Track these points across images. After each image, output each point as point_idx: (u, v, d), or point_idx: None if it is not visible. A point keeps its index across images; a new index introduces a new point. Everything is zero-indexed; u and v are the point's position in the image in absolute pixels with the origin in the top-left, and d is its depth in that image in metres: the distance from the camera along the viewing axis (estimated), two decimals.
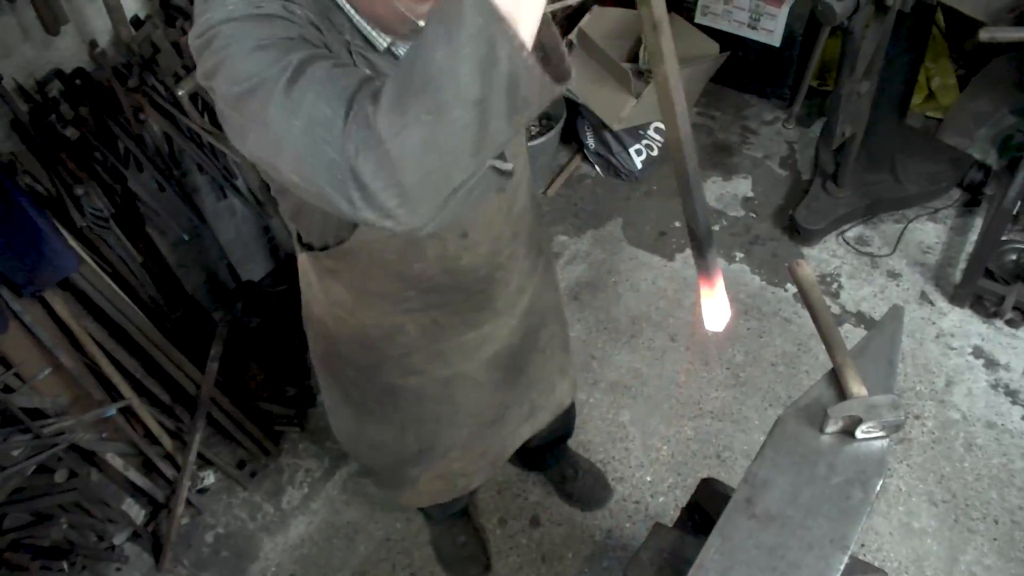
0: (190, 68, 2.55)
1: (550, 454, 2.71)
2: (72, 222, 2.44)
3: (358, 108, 0.94)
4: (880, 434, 1.61)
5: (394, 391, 1.81)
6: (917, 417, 2.96)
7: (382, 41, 1.28)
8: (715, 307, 1.35)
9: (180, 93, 2.46)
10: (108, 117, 2.54)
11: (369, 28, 1.26)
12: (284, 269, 3.23)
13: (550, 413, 2.17)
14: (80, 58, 2.54)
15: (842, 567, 1.45)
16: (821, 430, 1.62)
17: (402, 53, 1.30)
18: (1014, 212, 2.93)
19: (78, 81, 2.52)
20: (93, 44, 2.53)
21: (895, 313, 1.83)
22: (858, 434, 1.60)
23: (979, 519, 2.72)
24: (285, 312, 2.89)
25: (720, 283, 1.33)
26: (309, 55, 1.04)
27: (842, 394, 1.65)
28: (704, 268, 1.32)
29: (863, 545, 2.63)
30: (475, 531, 2.68)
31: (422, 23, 1.19)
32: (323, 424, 2.98)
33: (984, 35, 2.48)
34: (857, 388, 1.65)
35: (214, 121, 2.65)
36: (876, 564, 2.62)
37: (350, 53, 1.24)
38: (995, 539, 2.67)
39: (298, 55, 1.03)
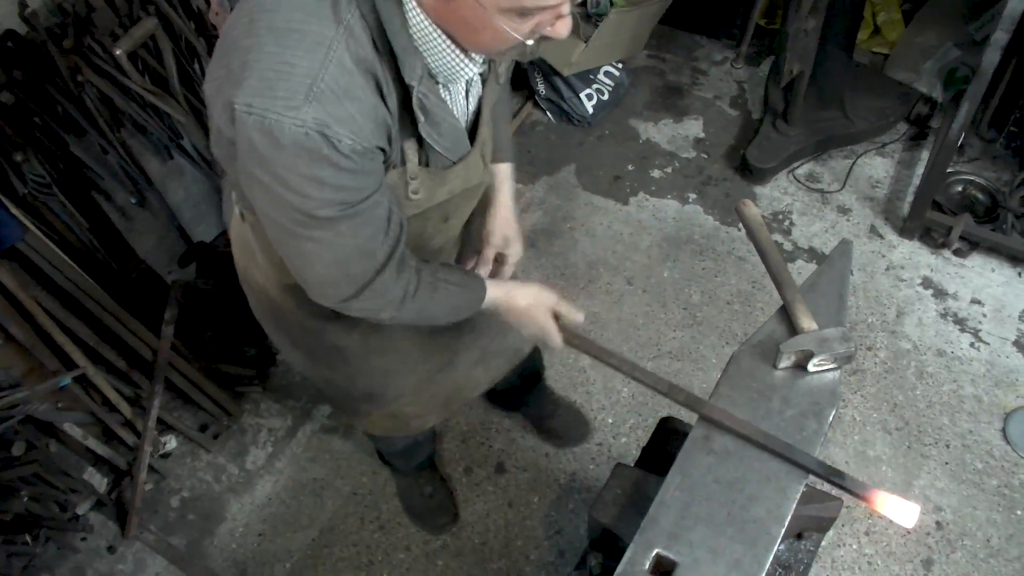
0: (128, 26, 2.49)
1: (526, 395, 2.74)
2: (14, 190, 2.39)
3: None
4: (832, 366, 1.64)
5: (340, 349, 1.84)
6: (869, 348, 3.02)
7: (468, 70, 1.41)
8: (899, 511, 1.48)
9: (118, 52, 2.40)
10: (44, 80, 2.48)
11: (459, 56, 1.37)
12: None
13: (506, 360, 2.18)
14: (11, 20, 2.46)
15: (798, 496, 1.49)
16: (774, 366, 1.65)
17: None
18: (959, 144, 2.96)
19: (10, 44, 2.45)
20: (23, 4, 2.46)
21: (844, 248, 1.86)
22: (810, 367, 1.63)
23: (931, 444, 2.79)
24: None
25: (882, 496, 1.50)
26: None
27: (793, 330, 1.68)
28: (859, 495, 1.51)
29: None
30: (441, 481, 2.71)
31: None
32: (285, 383, 2.98)
33: None
34: (808, 323, 1.67)
35: (156, 80, 2.59)
36: (833, 493, 2.68)
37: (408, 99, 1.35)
38: (947, 463, 2.75)
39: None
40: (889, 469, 2.73)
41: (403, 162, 1.42)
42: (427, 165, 1.47)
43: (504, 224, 1.85)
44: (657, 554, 1.42)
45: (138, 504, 2.66)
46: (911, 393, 2.90)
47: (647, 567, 1.41)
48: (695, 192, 3.51)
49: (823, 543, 2.57)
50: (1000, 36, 2.60)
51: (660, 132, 3.77)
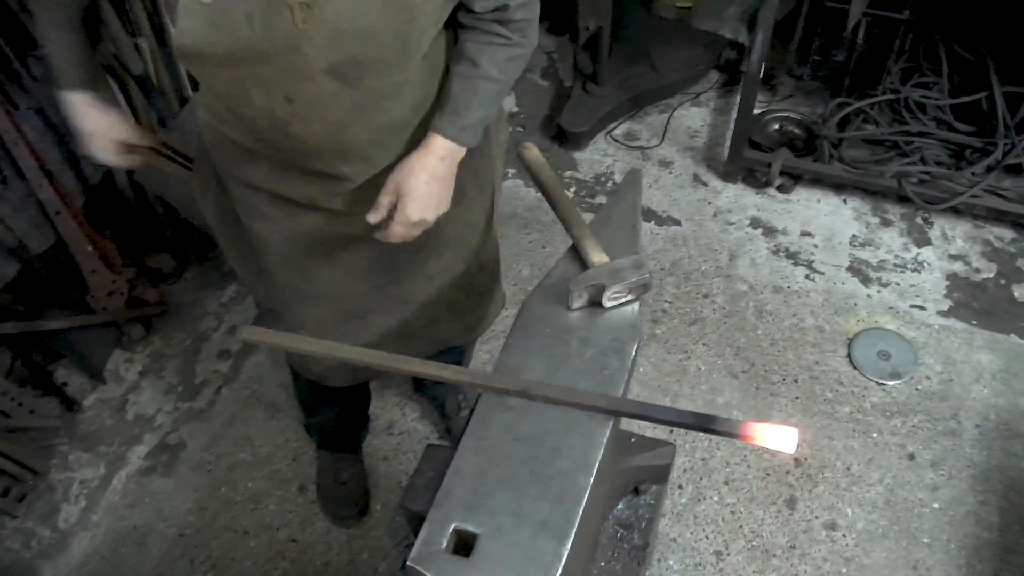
0: None
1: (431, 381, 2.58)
2: None
3: None
4: (629, 298, 1.51)
5: (247, 237, 1.75)
6: (706, 296, 2.94)
7: None
8: (777, 438, 1.29)
9: None
10: None
11: None
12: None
13: (431, 344, 2.02)
14: None
15: (605, 439, 1.34)
16: (568, 307, 1.51)
17: None
18: (763, 77, 2.93)
19: None
20: None
21: (633, 177, 1.74)
22: (606, 303, 1.49)
23: (779, 382, 2.73)
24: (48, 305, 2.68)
25: (757, 427, 1.29)
26: None
27: (585, 267, 1.55)
28: (735, 435, 1.31)
29: (671, 432, 2.59)
30: (361, 473, 2.54)
31: None
32: (94, 428, 2.71)
33: None
34: (598, 257, 1.54)
35: None
36: (687, 446, 2.59)
37: None
38: (797, 398, 2.69)
39: None
40: (740, 413, 2.65)
41: None
42: None
43: (402, 179, 1.58)
44: (455, 528, 1.26)
45: None
46: (753, 334, 2.84)
47: (444, 545, 1.24)
48: (513, 167, 3.39)
49: (683, 500, 2.49)
50: None
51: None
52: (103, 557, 2.47)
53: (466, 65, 1.55)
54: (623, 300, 1.51)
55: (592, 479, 1.30)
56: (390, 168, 1.61)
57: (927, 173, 3.03)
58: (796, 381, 2.73)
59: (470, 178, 1.79)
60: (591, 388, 1.40)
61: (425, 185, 1.58)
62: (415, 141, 1.61)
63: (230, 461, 2.61)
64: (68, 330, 2.72)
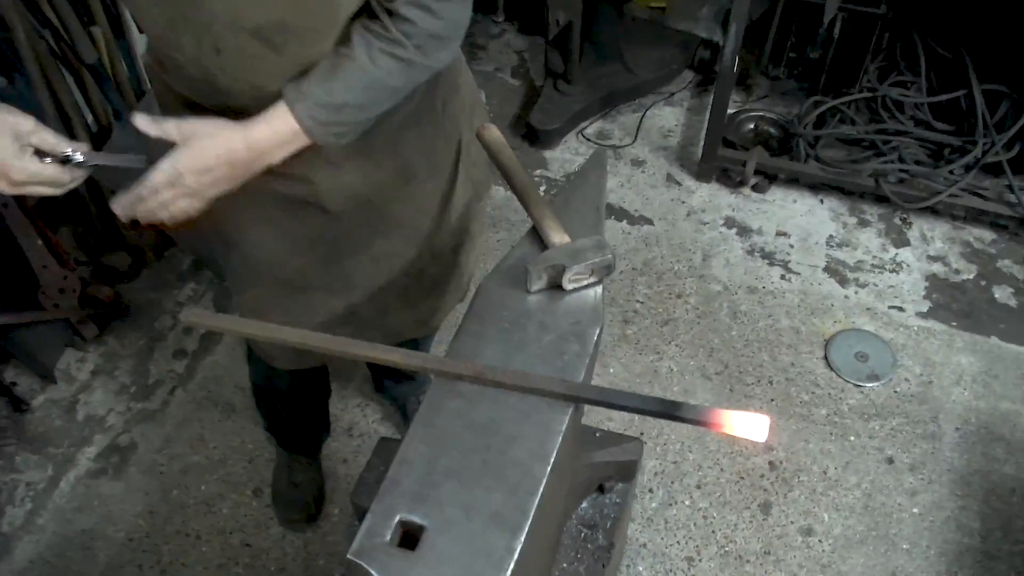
0: None
1: (388, 380, 2.52)
2: None
3: None
4: (591, 280, 1.43)
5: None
6: (679, 296, 2.87)
7: None
8: (747, 426, 1.20)
9: None
10: None
11: None
12: None
13: (383, 336, 1.88)
14: None
15: (563, 427, 1.26)
16: (527, 290, 1.43)
17: None
18: (737, 75, 2.87)
19: None
20: None
21: (597, 157, 1.67)
22: (566, 284, 1.41)
23: (754, 383, 2.65)
24: None
25: (726, 414, 1.20)
26: None
27: (545, 248, 1.47)
28: (702, 422, 1.21)
29: (642, 433, 2.51)
30: (316, 478, 2.45)
31: None
32: (43, 429, 2.60)
33: None
34: (559, 237, 1.46)
35: None
36: (658, 448, 2.51)
37: None
38: (772, 400, 2.62)
39: None
40: None
41: None
42: None
43: (208, 133, 1.38)
44: (400, 520, 1.16)
45: None
46: (727, 335, 2.77)
47: (388, 538, 1.15)
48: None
49: (653, 504, 2.40)
50: None
51: None
52: (48, 562, 2.36)
53: (341, 45, 1.40)
54: (585, 283, 1.42)
55: (549, 469, 1.20)
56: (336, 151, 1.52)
57: (905, 171, 2.98)
58: (771, 383, 2.65)
59: (421, 159, 1.70)
60: (550, 373, 1.31)
61: (216, 157, 1.37)
62: (389, 131, 1.54)
63: (183, 463, 2.51)
64: (17, 327, 2.61)
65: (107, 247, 2.88)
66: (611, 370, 2.67)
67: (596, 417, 2.45)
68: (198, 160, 1.37)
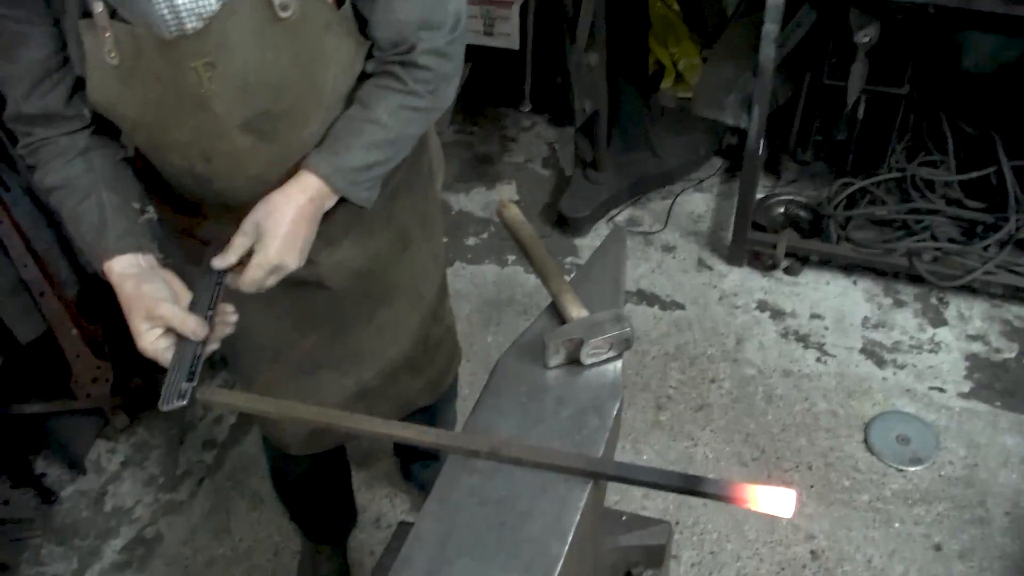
0: None
1: (415, 464, 2.48)
2: None
3: None
4: (610, 355, 1.41)
5: None
6: (713, 381, 2.82)
7: None
8: (772, 501, 1.16)
9: None
10: None
11: None
12: None
13: (395, 407, 1.88)
14: None
15: (582, 503, 1.22)
16: (545, 365, 1.41)
17: None
18: (761, 152, 2.88)
19: None
20: None
21: (616, 234, 1.68)
22: (584, 359, 1.39)
23: (792, 469, 2.58)
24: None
25: (750, 489, 1.17)
26: None
27: (563, 323, 1.45)
28: (725, 497, 1.19)
29: (677, 522, 2.44)
30: (342, 569, 2.40)
31: None
32: (69, 521, 2.59)
33: None
34: (577, 312, 1.45)
35: None
36: (694, 539, 2.43)
37: None
38: (812, 486, 2.53)
39: None
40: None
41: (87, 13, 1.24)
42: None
43: (263, 216, 1.38)
44: None
45: None
46: (762, 419, 2.70)
47: None
48: (514, 253, 3.33)
49: None
50: (770, 28, 2.55)
51: (472, 201, 3.61)
52: None
53: (356, 107, 1.42)
54: (604, 357, 1.40)
55: (567, 547, 1.17)
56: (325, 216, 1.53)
57: (939, 249, 2.93)
58: (810, 468, 2.57)
59: (415, 222, 1.71)
60: (567, 448, 1.28)
61: (291, 223, 1.37)
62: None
63: (208, 555, 2.47)
64: (49, 417, 2.63)
65: None
66: (644, 456, 2.61)
67: (630, 506, 2.39)
68: (280, 240, 1.37)
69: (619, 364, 1.41)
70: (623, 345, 1.40)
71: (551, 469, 1.24)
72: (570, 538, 1.17)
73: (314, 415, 1.36)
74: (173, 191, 1.55)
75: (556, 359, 1.40)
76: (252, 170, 1.41)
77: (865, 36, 2.85)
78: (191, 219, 1.56)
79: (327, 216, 1.47)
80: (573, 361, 1.40)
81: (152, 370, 2.83)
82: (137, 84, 1.30)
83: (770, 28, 2.54)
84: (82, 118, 1.40)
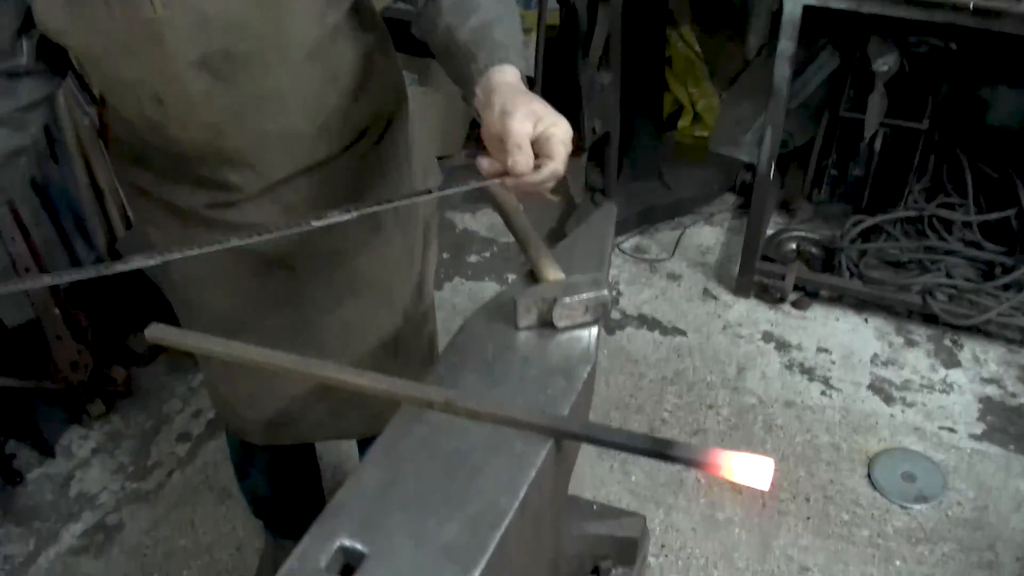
0: None
1: None
2: None
3: None
4: (586, 319, 1.32)
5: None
6: (711, 407, 2.71)
7: None
8: (748, 471, 1.06)
9: None
10: None
11: None
12: None
13: (365, 421, 1.77)
14: None
15: (539, 461, 1.12)
16: (516, 326, 1.32)
17: None
18: (771, 174, 2.81)
19: None
20: None
21: (607, 210, 1.59)
22: (557, 321, 1.30)
23: (788, 499, 2.45)
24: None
25: (725, 456, 1.07)
26: None
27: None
28: (696, 463, 1.10)
29: (663, 546, 2.32)
30: None
31: None
32: (32, 503, 2.51)
33: None
34: (554, 274, 1.37)
35: None
36: (680, 563, 2.31)
37: None
38: (808, 517, 2.41)
39: None
40: (743, 531, 2.37)
41: None
42: None
43: (516, 120, 1.20)
44: (340, 546, 1.03)
45: None
46: (760, 448, 2.58)
47: (323, 564, 1.01)
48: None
49: None
50: (785, 45, 2.49)
51: (478, 221, 3.55)
52: None
53: (459, 15, 1.29)
54: (579, 321, 1.31)
55: (518, 504, 1.07)
56: (286, 181, 1.46)
57: (954, 287, 2.83)
58: (808, 500, 2.45)
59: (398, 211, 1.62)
60: (529, 407, 1.19)
61: (537, 103, 1.24)
62: (315, 155, 1.47)
63: (168, 547, 2.37)
64: (23, 398, 2.56)
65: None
66: (633, 478, 2.50)
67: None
68: (555, 113, 1.26)
69: (595, 330, 1.32)
70: (599, 310, 1.31)
71: (509, 424, 1.15)
72: (522, 493, 1.07)
73: (263, 358, 1.28)
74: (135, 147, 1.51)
75: (527, 319, 1.31)
76: (206, 117, 1.34)
77: (884, 65, 2.80)
78: (147, 173, 1.52)
79: (296, 190, 1.46)
80: (546, 324, 1.31)
81: (133, 363, 2.82)
82: (85, 8, 1.20)
83: (785, 45, 2.48)
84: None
